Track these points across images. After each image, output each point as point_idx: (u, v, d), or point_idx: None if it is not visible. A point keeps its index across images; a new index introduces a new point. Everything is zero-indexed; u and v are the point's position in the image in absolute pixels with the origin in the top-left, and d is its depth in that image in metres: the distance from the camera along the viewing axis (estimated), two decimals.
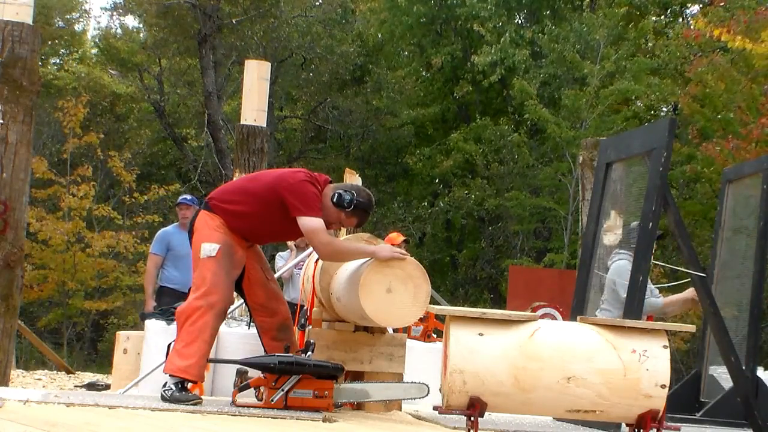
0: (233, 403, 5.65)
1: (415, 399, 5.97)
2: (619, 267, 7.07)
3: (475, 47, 24.24)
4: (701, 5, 24.77)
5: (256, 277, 6.08)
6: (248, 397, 5.74)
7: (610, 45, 21.75)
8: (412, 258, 5.69)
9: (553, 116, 21.67)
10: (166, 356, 5.83)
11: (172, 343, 5.80)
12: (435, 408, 4.93)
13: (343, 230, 7.27)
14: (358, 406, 6.06)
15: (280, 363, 5.58)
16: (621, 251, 7.18)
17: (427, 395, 5.88)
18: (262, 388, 5.63)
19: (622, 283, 6.85)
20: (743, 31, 14.62)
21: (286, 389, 5.57)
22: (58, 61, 30.43)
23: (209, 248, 5.81)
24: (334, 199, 5.82)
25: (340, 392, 5.73)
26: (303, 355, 5.67)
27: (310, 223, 5.71)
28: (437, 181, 26.89)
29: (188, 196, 10.47)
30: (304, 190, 5.76)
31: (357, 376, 6.12)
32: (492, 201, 23.35)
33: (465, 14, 24.13)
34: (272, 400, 5.56)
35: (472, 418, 4.78)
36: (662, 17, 25.86)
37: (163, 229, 10.40)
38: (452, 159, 24.45)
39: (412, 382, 5.96)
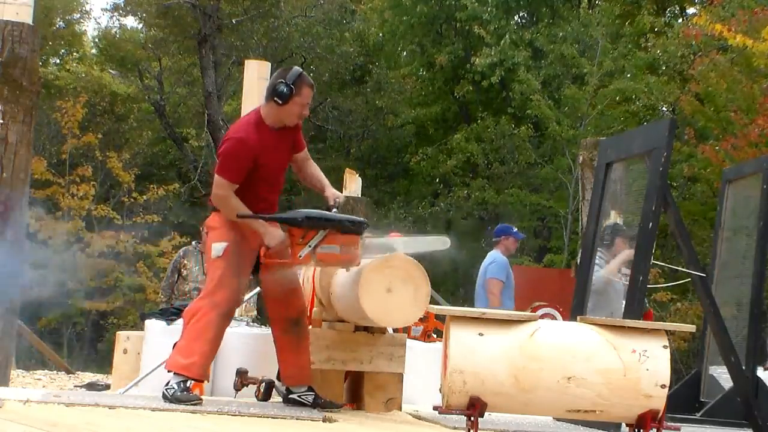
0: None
1: (438, 250, 5.85)
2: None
3: (476, 47, 24.23)
4: (700, 5, 24.74)
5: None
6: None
7: (607, 41, 21.74)
8: (412, 258, 5.68)
9: (554, 114, 21.66)
10: None
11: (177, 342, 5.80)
12: (435, 408, 4.93)
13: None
14: (358, 407, 6.06)
15: (308, 218, 5.53)
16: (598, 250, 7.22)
17: (449, 246, 5.82)
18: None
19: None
20: (743, 30, 14.61)
21: (313, 245, 5.52)
22: (58, 61, 30.41)
23: (218, 248, 5.79)
24: (277, 101, 5.76)
25: (366, 247, 5.64)
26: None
27: (216, 179, 5.86)
28: (438, 181, 26.87)
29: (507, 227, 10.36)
30: (225, 152, 5.85)
31: (357, 377, 6.12)
32: (491, 195, 23.31)
33: (465, 17, 24.10)
34: (300, 256, 5.51)
35: (472, 418, 4.78)
36: (661, 18, 25.83)
37: (500, 255, 10.28)
38: (454, 159, 24.43)
39: (433, 236, 5.92)
